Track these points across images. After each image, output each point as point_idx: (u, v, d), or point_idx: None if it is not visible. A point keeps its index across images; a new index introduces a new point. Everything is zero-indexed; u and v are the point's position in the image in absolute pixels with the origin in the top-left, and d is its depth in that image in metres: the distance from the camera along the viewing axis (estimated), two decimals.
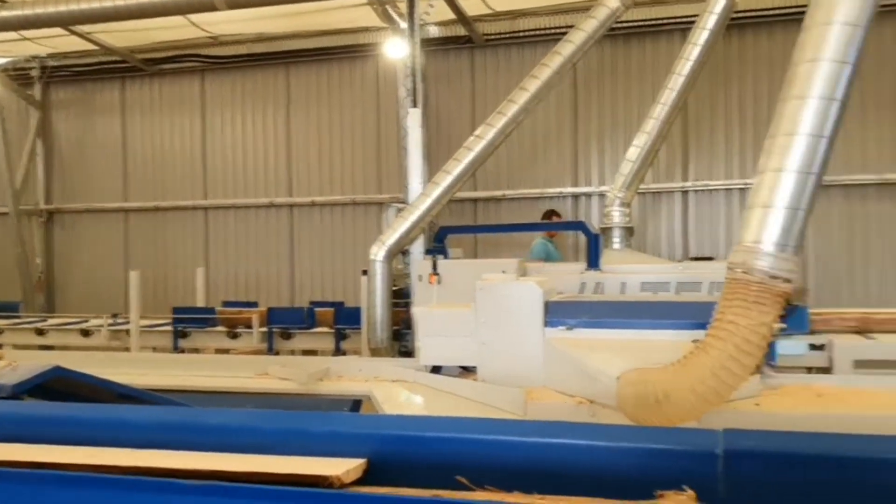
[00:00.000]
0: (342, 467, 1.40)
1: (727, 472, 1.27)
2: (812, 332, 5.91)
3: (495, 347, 3.76)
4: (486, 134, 6.73)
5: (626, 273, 6.10)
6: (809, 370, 5.67)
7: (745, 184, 8.81)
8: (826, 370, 5.52)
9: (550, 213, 8.83)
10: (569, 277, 6.14)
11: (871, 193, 8.93)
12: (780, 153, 2.51)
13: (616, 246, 7.06)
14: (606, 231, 7.10)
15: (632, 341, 3.49)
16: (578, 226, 7.05)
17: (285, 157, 10.81)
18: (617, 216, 7.05)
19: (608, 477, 1.36)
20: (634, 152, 6.93)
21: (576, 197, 9.78)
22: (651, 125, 6.77)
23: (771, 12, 8.68)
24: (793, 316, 6.14)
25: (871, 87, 8.50)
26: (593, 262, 6.31)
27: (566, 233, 9.12)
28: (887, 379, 3.80)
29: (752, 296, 2.45)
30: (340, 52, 10.41)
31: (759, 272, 2.45)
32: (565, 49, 6.67)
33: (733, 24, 7.48)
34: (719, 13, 6.60)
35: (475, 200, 10.04)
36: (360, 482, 1.44)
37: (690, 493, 1.27)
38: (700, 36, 6.53)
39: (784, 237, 2.47)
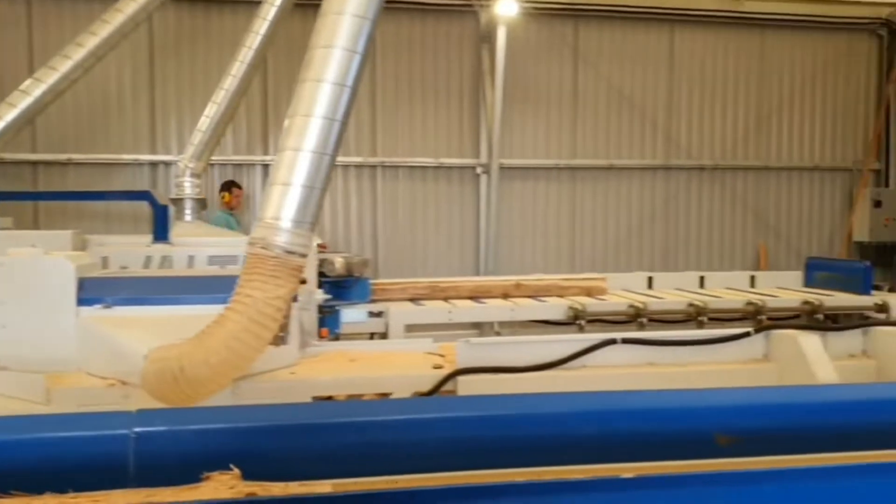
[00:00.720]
0: None
1: (138, 451, 1.28)
2: (373, 301, 6.44)
3: (19, 331, 3.38)
4: (46, 78, 6.03)
5: (195, 246, 5.96)
6: (372, 336, 6.18)
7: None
8: (384, 335, 6.07)
9: (230, 185, 8.73)
10: (134, 251, 5.80)
11: (430, 175, 10.04)
12: (298, 133, 2.63)
13: (188, 218, 6.86)
14: (178, 202, 6.86)
15: (172, 317, 3.40)
16: (144, 195, 6.69)
17: None
18: (188, 187, 6.85)
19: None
20: (205, 122, 6.80)
21: (154, 165, 9.30)
22: (222, 96, 6.70)
23: None
24: (356, 287, 6.62)
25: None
26: (160, 234, 6.04)
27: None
28: (413, 342, 4.23)
29: (269, 270, 2.53)
30: None
31: (276, 248, 2.54)
32: None
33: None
34: None
35: (35, 164, 8.97)
36: None
37: (236, 471, 1.28)
38: (268, 11, 6.60)
39: (301, 214, 2.59)
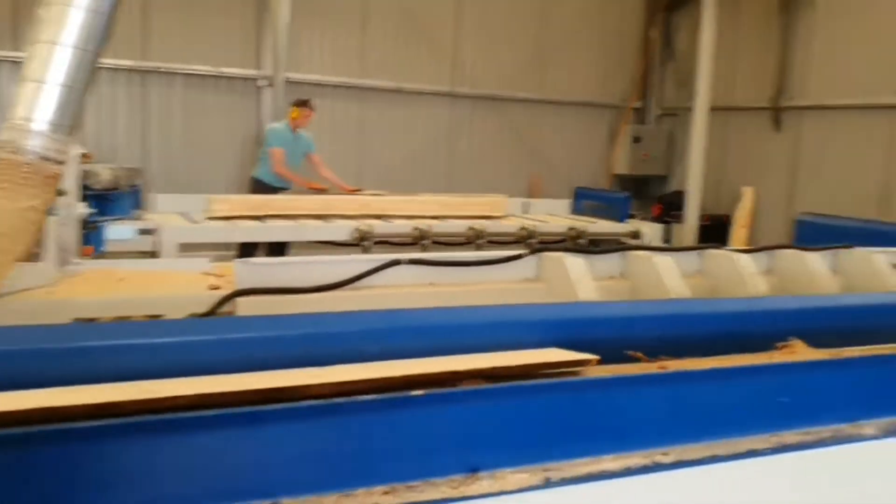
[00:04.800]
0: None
1: None
2: (140, 218, 6.01)
3: None
4: None
5: None
6: (144, 254, 5.77)
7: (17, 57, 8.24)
8: (153, 254, 5.69)
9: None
10: None
11: (209, 84, 9.45)
12: (56, 24, 2.32)
13: None
14: None
15: None
16: None
17: None
18: None
19: None
20: None
21: None
22: None
23: None
24: (122, 201, 6.13)
25: None
26: None
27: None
28: (188, 261, 4.00)
29: (20, 178, 2.25)
30: None
31: (28, 153, 2.26)
32: None
33: None
34: None
35: None
36: None
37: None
38: None
39: (58, 116, 2.31)
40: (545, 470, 1.11)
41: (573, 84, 11.73)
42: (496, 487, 1.05)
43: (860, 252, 4.19)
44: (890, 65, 8.73)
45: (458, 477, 1.10)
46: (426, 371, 1.31)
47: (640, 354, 1.72)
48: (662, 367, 1.59)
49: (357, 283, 3.30)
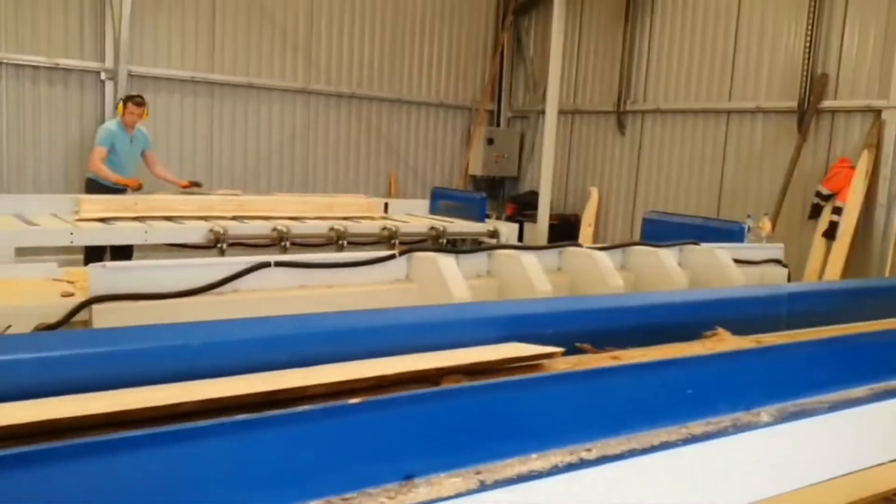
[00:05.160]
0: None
1: None
2: None
3: None
4: None
5: None
6: None
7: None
8: None
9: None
10: None
11: (43, 77, 8.78)
12: None
13: None
14: None
15: None
16: None
17: None
18: None
19: None
20: None
21: None
22: None
23: None
24: None
25: None
26: None
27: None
28: (32, 267, 3.69)
29: None
30: None
31: None
32: None
33: None
34: None
35: None
36: None
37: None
38: None
39: None
40: (477, 473, 1.11)
41: (428, 85, 11.85)
42: (433, 494, 1.03)
43: (705, 248, 4.50)
44: (721, 72, 9.44)
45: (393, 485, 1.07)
46: (401, 370, 1.28)
47: (588, 346, 1.76)
48: (616, 359, 1.64)
49: (223, 288, 3.17)
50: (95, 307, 2.81)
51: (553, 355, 1.58)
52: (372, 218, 7.30)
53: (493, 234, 7.48)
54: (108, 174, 7.36)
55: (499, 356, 1.50)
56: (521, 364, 1.52)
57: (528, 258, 3.89)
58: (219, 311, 3.14)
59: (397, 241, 6.80)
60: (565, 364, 1.62)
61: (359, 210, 7.38)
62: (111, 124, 7.63)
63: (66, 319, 2.74)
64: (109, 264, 2.97)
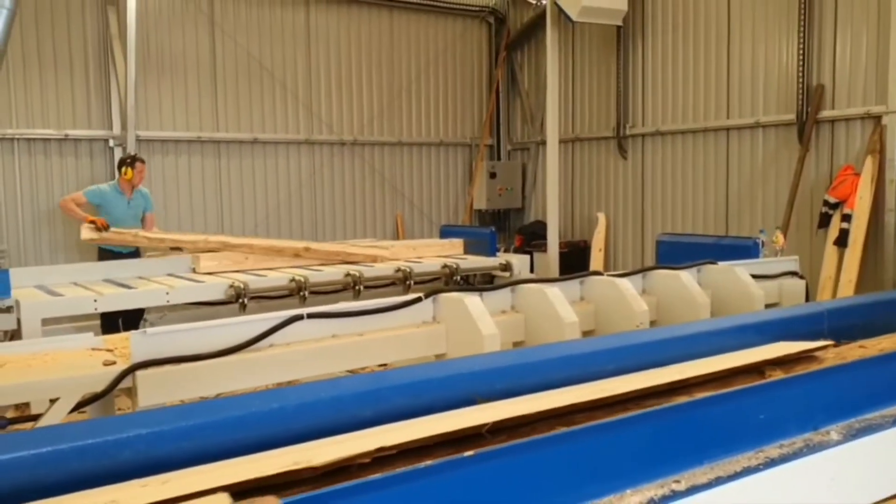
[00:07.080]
0: None
1: None
2: None
3: None
4: None
5: None
6: (11, 336, 5.30)
7: None
8: (15, 335, 5.27)
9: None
10: None
11: (54, 148, 8.94)
12: None
13: None
14: None
15: None
16: None
17: None
18: None
19: None
20: None
21: None
22: None
23: None
24: None
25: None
26: None
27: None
28: (70, 339, 3.75)
29: None
30: None
31: None
32: None
33: None
34: None
35: None
36: None
37: None
38: None
39: None
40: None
41: (427, 125, 12.01)
42: None
43: (723, 266, 4.55)
44: (717, 90, 9.55)
45: None
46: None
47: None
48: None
49: (259, 343, 3.23)
50: (139, 373, 2.87)
51: (824, 348, 1.75)
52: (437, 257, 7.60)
53: (506, 267, 7.53)
54: (75, 211, 7.22)
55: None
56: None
57: (553, 290, 3.94)
58: (258, 367, 3.20)
59: (412, 282, 6.86)
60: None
61: (441, 251, 7.87)
62: (105, 185, 7.65)
63: (112, 387, 2.79)
64: (150, 330, 3.03)
